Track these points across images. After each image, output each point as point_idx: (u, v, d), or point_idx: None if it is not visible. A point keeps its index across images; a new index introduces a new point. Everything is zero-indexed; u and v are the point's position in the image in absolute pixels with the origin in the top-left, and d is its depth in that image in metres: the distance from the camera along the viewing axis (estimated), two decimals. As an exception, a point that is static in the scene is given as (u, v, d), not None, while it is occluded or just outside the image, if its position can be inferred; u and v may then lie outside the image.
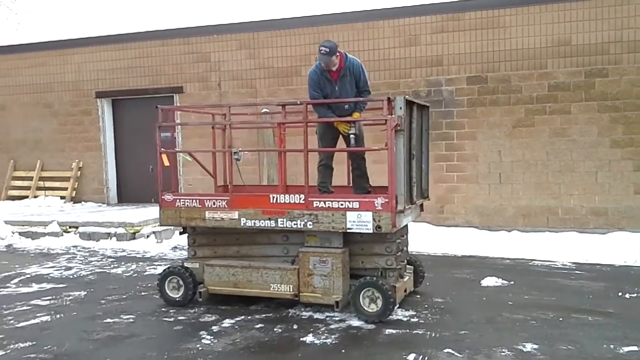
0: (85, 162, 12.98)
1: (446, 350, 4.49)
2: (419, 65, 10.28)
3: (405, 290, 5.74)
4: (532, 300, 5.89)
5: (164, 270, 5.95)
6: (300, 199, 5.37)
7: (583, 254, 7.90)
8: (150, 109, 12.26)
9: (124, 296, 6.31)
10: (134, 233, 9.57)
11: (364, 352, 4.54)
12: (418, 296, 6.06)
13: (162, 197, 5.92)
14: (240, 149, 5.88)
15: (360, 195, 5.63)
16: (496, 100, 9.81)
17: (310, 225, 5.31)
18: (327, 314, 5.44)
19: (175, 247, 9.19)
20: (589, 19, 9.33)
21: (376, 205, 5.10)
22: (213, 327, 5.17)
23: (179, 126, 11.86)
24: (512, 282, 6.53)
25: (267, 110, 9.72)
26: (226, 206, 5.60)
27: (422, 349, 4.54)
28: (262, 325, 5.21)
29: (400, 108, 5.13)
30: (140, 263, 8.05)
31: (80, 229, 9.87)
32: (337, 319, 5.31)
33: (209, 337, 4.93)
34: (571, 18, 9.40)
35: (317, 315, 5.42)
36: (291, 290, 5.41)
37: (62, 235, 9.86)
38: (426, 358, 4.36)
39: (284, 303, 5.71)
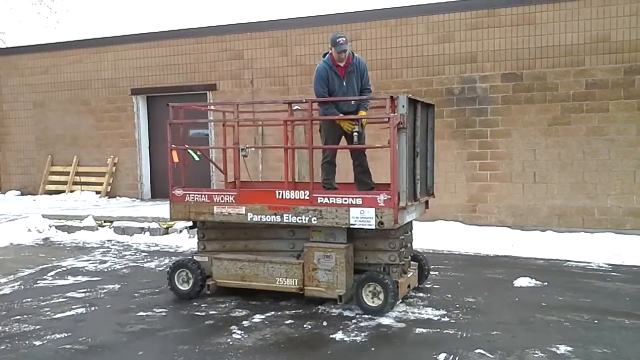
0: (120, 158, 13.24)
1: (477, 351, 4.43)
2: (453, 62, 10.17)
3: (409, 286, 5.80)
4: (566, 302, 5.77)
5: (174, 263, 6.09)
6: (305, 194, 5.49)
7: (619, 256, 7.70)
8: (184, 106, 12.52)
9: (157, 290, 6.40)
10: (167, 228, 9.72)
11: (395, 350, 4.51)
12: (449, 295, 6.00)
13: (172, 192, 6.06)
14: (247, 145, 5.99)
15: (363, 192, 5.67)
16: (531, 97, 9.63)
17: (314, 220, 5.42)
18: (357, 311, 5.42)
19: (207, 243, 9.28)
20: (630, 15, 9.09)
21: (379, 201, 5.19)
22: (244, 322, 5.21)
23: (211, 123, 11.98)
24: (546, 283, 6.40)
25: (299, 108, 9.75)
26: (234, 201, 5.74)
27: (453, 348, 4.49)
28: (292, 321, 5.22)
29: (403, 106, 5.19)
30: (173, 257, 8.13)
31: (115, 224, 10.06)
32: (367, 316, 5.28)
33: (239, 332, 4.97)
34: (610, 14, 9.18)
35: (346, 313, 5.41)
36: (296, 284, 5.54)
37: (97, 229, 10.06)
38: (457, 358, 4.31)
39: (314, 300, 5.73)
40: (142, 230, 9.77)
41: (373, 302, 5.29)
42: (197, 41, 12.21)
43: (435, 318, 5.26)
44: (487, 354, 4.37)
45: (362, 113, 6.08)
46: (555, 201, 9.58)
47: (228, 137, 6.99)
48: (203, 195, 5.90)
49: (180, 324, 5.22)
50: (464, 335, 4.81)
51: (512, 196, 9.83)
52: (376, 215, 5.19)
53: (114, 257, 8.21)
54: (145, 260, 8.03)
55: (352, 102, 6.10)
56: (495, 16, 9.85)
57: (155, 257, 8.18)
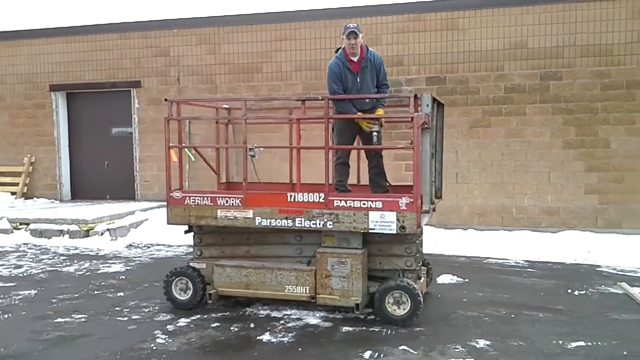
0: (38, 157, 12.59)
1: (401, 347, 4.53)
2: (382, 65, 10.33)
3: (421, 292, 5.49)
4: (486, 298, 6.02)
5: (171, 271, 5.66)
6: (319, 197, 5.18)
7: (535, 252, 8.11)
8: (107, 103, 12.14)
9: (76, 295, 6.15)
10: (88, 230, 9.34)
11: (321, 350, 4.54)
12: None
13: (170, 194, 5.62)
14: (255, 145, 5.63)
15: (382, 195, 5.42)
16: (454, 101, 9.96)
17: (330, 225, 5.13)
18: (285, 312, 5.42)
19: (131, 245, 9.02)
20: (544, 23, 9.57)
21: (400, 205, 4.94)
22: (168, 326, 5.08)
23: (135, 121, 11.64)
24: (467, 280, 6.64)
25: (227, 106, 9.61)
26: (240, 204, 5.37)
27: (378, 346, 4.57)
28: (219, 324, 5.15)
29: (427, 105, 5.01)
30: (94, 261, 7.86)
31: (32, 226, 9.57)
32: (294, 317, 5.29)
33: (163, 336, 4.84)
34: (527, 22, 9.63)
35: (274, 314, 5.40)
36: (307, 292, 5.20)
37: (12, 232, 9.55)
38: (382, 355, 4.40)
39: (241, 302, 5.67)
40: (60, 232, 9.35)
41: (397, 311, 5.05)
42: (121, 36, 11.81)
43: (362, 316, 5.33)
44: (411, 350, 4.48)
45: (380, 111, 5.77)
46: (476, 200, 9.96)
47: (224, 136, 6.72)
48: (205, 198, 5.50)
49: (101, 330, 5.02)
50: (389, 332, 4.91)
51: (437, 196, 10.11)
52: (397, 220, 4.93)
53: (30, 262, 7.81)
54: (65, 264, 7.69)
55: (367, 100, 5.73)
56: (422, 21, 10.11)
57: (75, 261, 7.84)
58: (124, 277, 7.00)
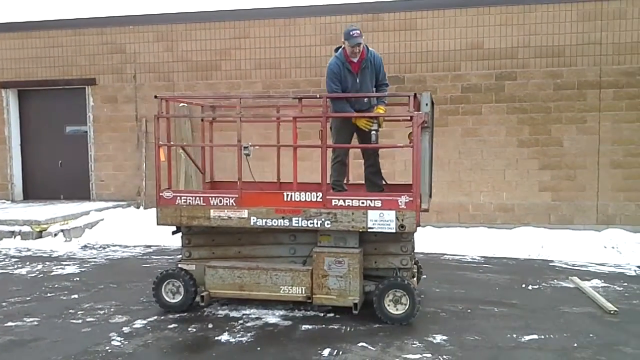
0: (-13, 156, 12.17)
1: (360, 344, 4.56)
2: (339, 64, 10.37)
3: None
4: (443, 293, 6.12)
5: (161, 273, 5.51)
6: (317, 197, 5.14)
7: (491, 249, 8.29)
8: (61, 101, 11.81)
9: (28, 298, 5.96)
10: (41, 231, 9.07)
11: (280, 348, 4.53)
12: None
13: (160, 194, 5.45)
14: (250, 143, 5.49)
15: (381, 194, 5.43)
16: (413, 100, 10.06)
17: (328, 224, 5.09)
18: (244, 312, 5.39)
19: (85, 246, 8.80)
20: (500, 25, 9.78)
21: (400, 203, 4.96)
22: (124, 328, 4.98)
23: (90, 120, 11.37)
24: (425, 276, 6.72)
25: (185, 105, 9.52)
26: (234, 204, 5.27)
27: (337, 343, 4.59)
28: (176, 325, 5.08)
29: (427, 104, 5.05)
30: (47, 263, 7.64)
31: (-19, 228, 9.24)
32: (254, 316, 5.27)
33: (119, 338, 4.75)
34: (483, 23, 9.82)
35: (233, 314, 5.35)
36: (303, 292, 5.17)
37: (-40, 234, 9.19)
38: (340, 352, 4.41)
39: (199, 302, 5.61)
40: (12, 234, 9.05)
41: (397, 309, 5.06)
42: (75, 33, 11.50)
43: (321, 314, 5.34)
44: (370, 347, 4.52)
45: (381, 109, 5.71)
46: (434, 198, 9.97)
47: (207, 134, 6.54)
48: (198, 198, 5.36)
49: (53, 334, 4.89)
50: (348, 330, 4.93)
51: (396, 194, 10.21)
52: (397, 218, 4.95)
53: (-22, 264, 7.54)
54: (16, 266, 7.45)
55: (366, 100, 5.74)
56: (380, 20, 10.20)
57: (27, 263, 7.61)
58: (78, 278, 6.82)
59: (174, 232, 5.74)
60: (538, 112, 9.70)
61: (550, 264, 7.60)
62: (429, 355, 4.37)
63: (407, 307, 5.04)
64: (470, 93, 9.91)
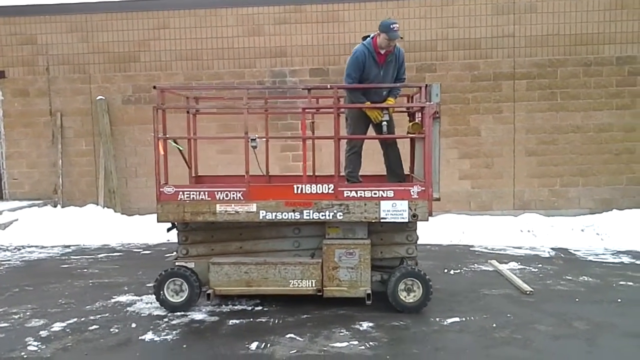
0: None
1: (288, 336, 4.56)
2: (263, 56, 10.30)
3: None
4: (370, 282, 6.21)
5: (164, 272, 5.27)
6: (329, 188, 5.09)
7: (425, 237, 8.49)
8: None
9: None
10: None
11: (206, 345, 4.45)
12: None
13: (161, 189, 5.20)
14: (257, 135, 5.33)
15: (393, 184, 5.45)
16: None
17: (340, 216, 5.06)
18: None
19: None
20: (419, 17, 10.02)
21: (412, 193, 5.03)
22: (41, 332, 4.74)
23: None
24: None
25: (103, 98, 9.17)
26: (242, 198, 5.11)
27: (265, 336, 4.57)
28: (97, 326, 4.89)
29: (437, 95, 5.08)
30: (-45, 268, 7.16)
31: None
32: (179, 314, 5.15)
33: (36, 343, 4.52)
34: (403, 15, 10.01)
35: (157, 312, 5.21)
36: (313, 285, 5.13)
37: None
38: (269, 345, 4.40)
39: (121, 303, 5.43)
40: None
41: (409, 298, 5.11)
42: (-20, 22, 10.79)
43: (249, 308, 5.31)
44: (298, 338, 4.53)
45: (391, 101, 5.75)
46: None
47: (195, 126, 6.25)
48: (202, 193, 5.15)
49: (-39, 343, 4.59)
50: (276, 322, 4.92)
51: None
52: (409, 208, 5.01)
53: None
54: None
55: (384, 92, 5.75)
56: (302, 12, 10.18)
57: None
58: (-11, 283, 6.44)
59: (168, 229, 5.56)
60: (457, 103, 10.03)
61: (471, 248, 7.91)
62: (356, 342, 4.44)
63: (419, 295, 5.12)
64: (393, 84, 10.08)
